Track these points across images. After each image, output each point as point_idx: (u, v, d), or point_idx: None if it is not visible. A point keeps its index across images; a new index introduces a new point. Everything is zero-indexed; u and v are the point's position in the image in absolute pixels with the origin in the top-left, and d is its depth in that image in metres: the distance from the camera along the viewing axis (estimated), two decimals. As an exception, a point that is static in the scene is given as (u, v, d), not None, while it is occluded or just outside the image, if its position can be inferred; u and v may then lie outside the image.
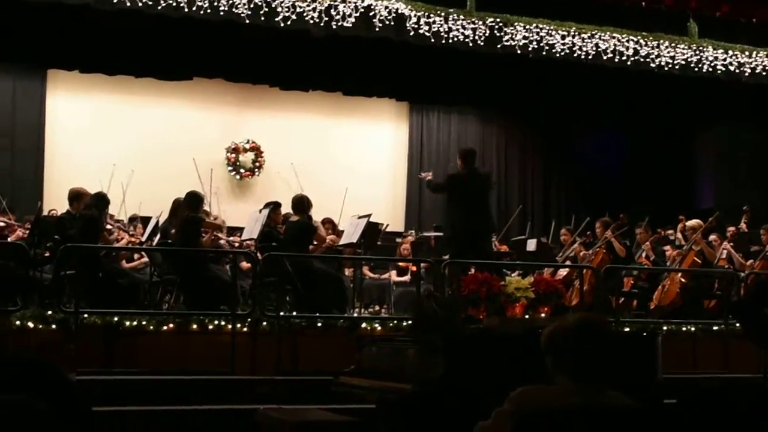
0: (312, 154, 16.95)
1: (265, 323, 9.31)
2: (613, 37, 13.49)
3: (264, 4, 11.77)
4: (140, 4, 11.24)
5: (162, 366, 8.67)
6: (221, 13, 11.59)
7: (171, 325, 9.06)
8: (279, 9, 11.83)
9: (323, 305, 10.22)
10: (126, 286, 10.12)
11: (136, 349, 8.81)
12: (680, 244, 13.34)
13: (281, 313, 9.69)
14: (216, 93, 16.30)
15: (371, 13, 12.28)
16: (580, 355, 3.41)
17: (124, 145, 15.86)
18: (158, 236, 11.48)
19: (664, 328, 10.93)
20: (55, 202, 13.76)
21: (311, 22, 12.00)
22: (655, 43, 13.69)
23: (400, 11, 12.43)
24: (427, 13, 12.57)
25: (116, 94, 15.93)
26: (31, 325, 8.57)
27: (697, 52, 13.89)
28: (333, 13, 12.10)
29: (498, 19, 12.92)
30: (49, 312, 8.82)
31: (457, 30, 12.69)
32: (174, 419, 7.75)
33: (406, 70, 13.86)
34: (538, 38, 13.07)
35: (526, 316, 9.72)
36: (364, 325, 9.84)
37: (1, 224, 11.52)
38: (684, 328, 11.15)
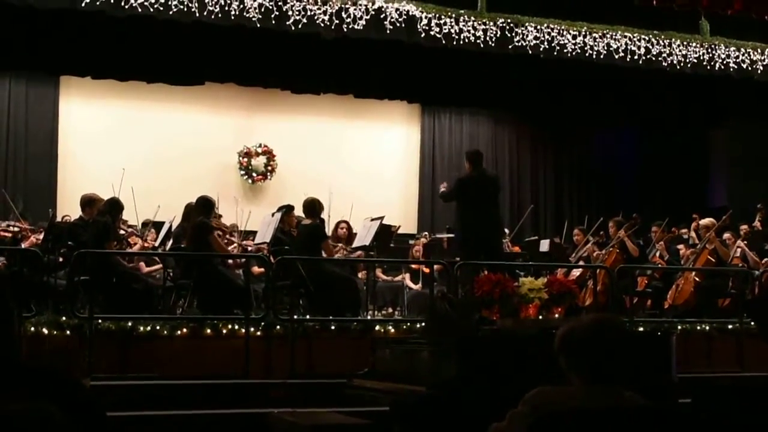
0: (324, 157, 16.98)
1: (278, 327, 9.32)
2: (625, 36, 13.45)
3: (274, 8, 11.78)
4: (152, 10, 11.25)
5: (176, 370, 8.68)
6: (232, 18, 11.60)
7: (185, 330, 9.07)
8: (290, 12, 11.84)
9: (336, 308, 10.22)
10: (140, 291, 10.13)
11: (151, 354, 8.81)
12: (694, 242, 13.31)
13: (295, 317, 9.70)
14: (228, 97, 16.34)
15: (382, 16, 12.28)
16: (594, 355, 3.40)
17: (136, 150, 15.91)
18: (171, 241, 11.50)
19: (679, 327, 10.90)
20: (68, 207, 13.80)
21: (322, 25, 12.00)
22: (666, 42, 13.65)
23: (410, 13, 12.43)
24: (437, 15, 12.56)
25: (129, 100, 15.98)
26: (45, 331, 8.58)
27: (709, 51, 13.85)
28: (344, 15, 12.10)
29: (509, 20, 12.89)
30: (64, 318, 8.84)
31: (468, 31, 12.67)
32: (188, 423, 7.77)
33: (417, 72, 13.85)
34: (550, 38, 13.04)
35: (540, 317, 9.70)
36: (377, 327, 9.82)
37: (16, 230, 11.55)
38: (698, 327, 11.11)
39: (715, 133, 17.90)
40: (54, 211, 13.04)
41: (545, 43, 13.01)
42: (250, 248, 12.03)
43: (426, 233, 15.30)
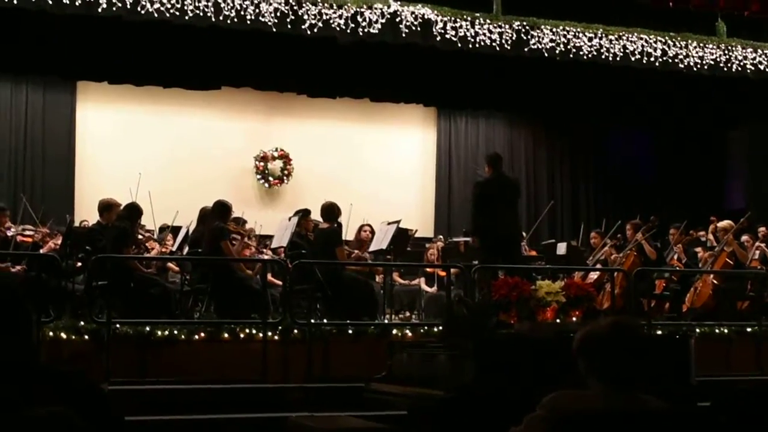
0: (340, 161, 17.00)
1: (296, 331, 9.33)
2: (641, 38, 13.40)
3: (290, 12, 11.79)
4: (168, 15, 11.28)
5: (194, 375, 8.71)
6: (248, 22, 11.61)
7: (202, 334, 9.10)
8: (305, 17, 11.84)
9: (354, 312, 10.23)
10: (158, 296, 10.16)
11: (168, 359, 8.84)
12: (712, 245, 13.25)
13: (312, 321, 9.71)
14: (244, 102, 16.37)
15: (398, 19, 12.27)
16: (612, 358, 3.38)
17: (153, 155, 15.96)
18: (188, 246, 11.53)
19: (697, 330, 10.85)
20: (86, 212, 13.86)
21: (338, 29, 12.00)
22: (683, 44, 13.59)
23: (426, 16, 12.41)
24: (453, 18, 12.55)
25: (145, 105, 16.04)
26: (63, 336, 8.62)
27: (726, 52, 13.78)
28: (359, 19, 12.10)
29: (524, 23, 12.86)
30: (82, 323, 8.87)
31: (484, 34, 12.65)
32: (206, 428, 7.79)
33: (433, 76, 13.83)
34: (565, 41, 13.01)
35: (557, 321, 9.67)
36: (395, 331, 9.82)
37: (37, 236, 11.59)
38: (717, 330, 11.06)
39: (732, 135, 17.82)
40: (72, 215, 13.08)
41: (561, 45, 12.98)
42: (267, 255, 12.03)
43: (441, 237, 15.29)
